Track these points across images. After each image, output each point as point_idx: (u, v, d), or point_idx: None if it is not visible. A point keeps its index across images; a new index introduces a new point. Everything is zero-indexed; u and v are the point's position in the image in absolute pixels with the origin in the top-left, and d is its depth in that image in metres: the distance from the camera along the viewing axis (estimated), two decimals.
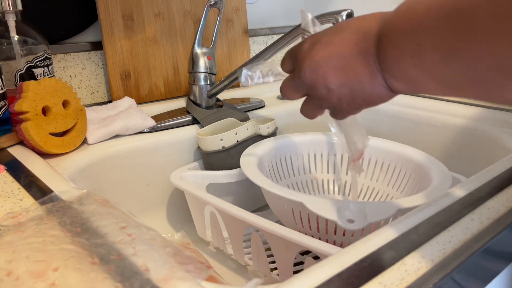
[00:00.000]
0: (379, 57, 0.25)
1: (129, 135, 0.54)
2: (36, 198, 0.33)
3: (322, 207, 0.36)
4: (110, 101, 0.64)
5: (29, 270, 0.23)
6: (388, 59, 0.24)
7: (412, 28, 0.22)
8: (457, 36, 0.19)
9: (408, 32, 0.22)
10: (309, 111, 0.32)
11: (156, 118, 0.58)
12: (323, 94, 0.28)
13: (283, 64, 0.32)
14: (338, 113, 0.30)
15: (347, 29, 0.27)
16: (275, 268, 0.42)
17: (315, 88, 0.28)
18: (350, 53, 0.26)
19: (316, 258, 0.37)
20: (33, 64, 0.50)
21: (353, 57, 0.26)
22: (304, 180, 0.56)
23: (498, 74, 0.19)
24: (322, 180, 0.57)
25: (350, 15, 0.43)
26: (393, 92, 0.26)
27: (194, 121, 0.59)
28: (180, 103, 0.65)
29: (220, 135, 0.53)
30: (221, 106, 0.62)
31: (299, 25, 0.50)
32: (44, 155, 0.45)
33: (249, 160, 0.47)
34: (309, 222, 0.41)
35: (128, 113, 0.55)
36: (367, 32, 0.25)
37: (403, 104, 0.65)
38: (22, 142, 0.46)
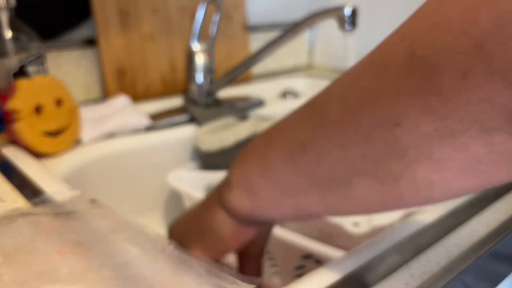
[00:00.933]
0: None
1: (125, 134, 0.53)
2: (29, 199, 0.33)
3: None
4: (105, 99, 0.63)
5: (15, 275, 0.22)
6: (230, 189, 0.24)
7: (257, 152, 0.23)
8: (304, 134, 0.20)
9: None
10: None
11: (153, 116, 0.57)
12: None
13: None
14: None
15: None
16: (277, 272, 0.41)
17: None
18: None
19: (319, 261, 0.36)
20: (26, 62, 0.49)
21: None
22: None
23: (345, 169, 0.19)
24: None
25: (353, 11, 0.42)
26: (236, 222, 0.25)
27: (192, 120, 0.59)
28: (178, 101, 0.65)
29: (219, 135, 0.52)
30: (220, 105, 0.62)
31: (300, 20, 0.49)
32: (37, 155, 0.44)
33: None
34: (313, 225, 0.40)
35: (124, 111, 0.55)
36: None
37: None
38: (15, 142, 0.45)
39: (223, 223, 0.25)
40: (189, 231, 0.27)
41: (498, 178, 0.15)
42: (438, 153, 0.15)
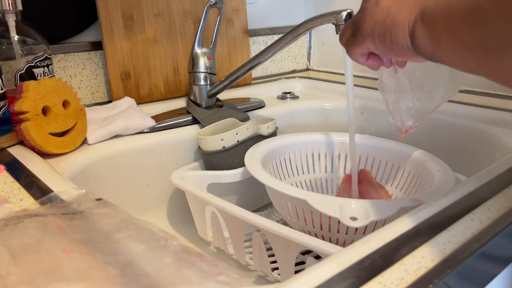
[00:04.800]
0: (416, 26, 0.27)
1: (129, 135, 0.54)
2: (36, 198, 0.33)
3: (325, 205, 0.36)
4: (110, 101, 0.64)
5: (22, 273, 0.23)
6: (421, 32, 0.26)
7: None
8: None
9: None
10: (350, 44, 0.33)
11: (156, 118, 0.58)
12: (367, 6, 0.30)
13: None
14: (357, 34, 0.31)
15: None
16: (277, 268, 0.42)
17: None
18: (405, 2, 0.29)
19: (318, 257, 0.37)
20: (33, 64, 0.50)
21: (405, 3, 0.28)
22: (306, 180, 0.56)
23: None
24: (326, 180, 0.57)
25: (350, 15, 0.43)
26: (415, 51, 0.28)
27: (194, 121, 0.59)
28: (180, 103, 0.65)
29: (221, 135, 0.53)
30: (221, 106, 0.63)
31: (299, 25, 0.50)
32: (44, 155, 0.45)
33: (253, 159, 0.48)
34: (312, 220, 0.41)
35: (128, 113, 0.55)
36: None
37: None
38: (22, 142, 0.46)
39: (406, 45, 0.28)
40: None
41: None
42: None
